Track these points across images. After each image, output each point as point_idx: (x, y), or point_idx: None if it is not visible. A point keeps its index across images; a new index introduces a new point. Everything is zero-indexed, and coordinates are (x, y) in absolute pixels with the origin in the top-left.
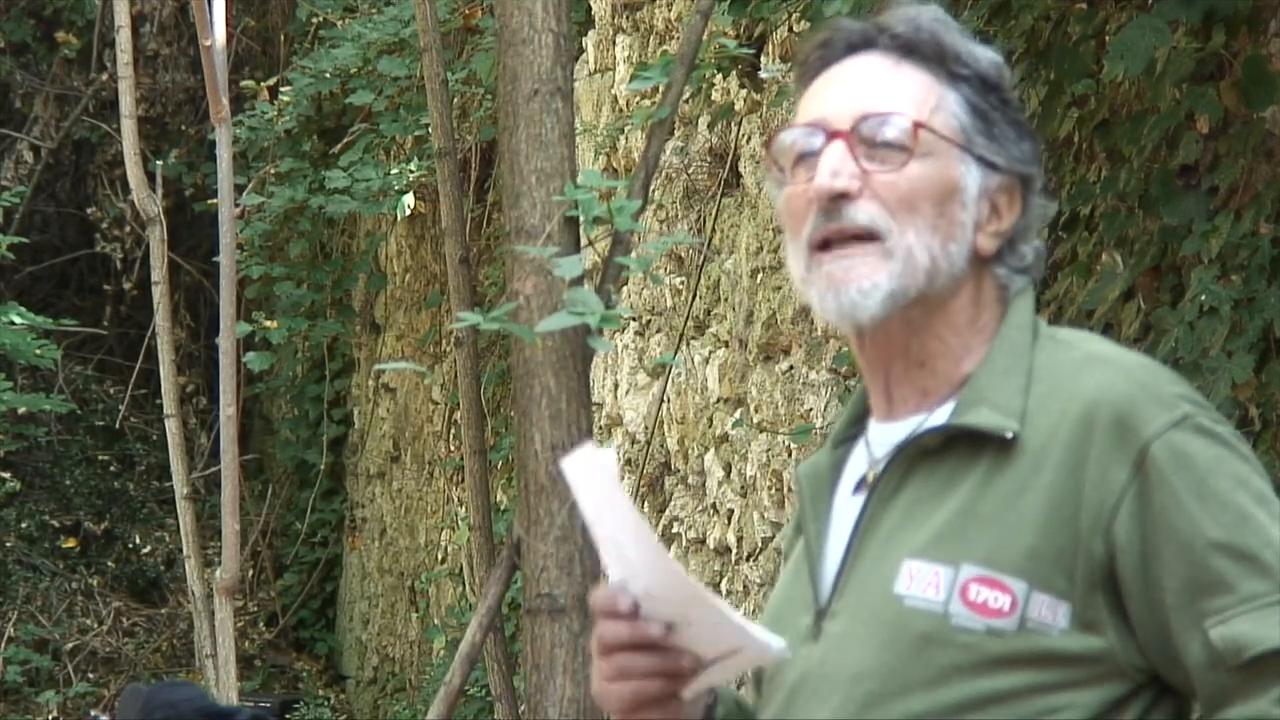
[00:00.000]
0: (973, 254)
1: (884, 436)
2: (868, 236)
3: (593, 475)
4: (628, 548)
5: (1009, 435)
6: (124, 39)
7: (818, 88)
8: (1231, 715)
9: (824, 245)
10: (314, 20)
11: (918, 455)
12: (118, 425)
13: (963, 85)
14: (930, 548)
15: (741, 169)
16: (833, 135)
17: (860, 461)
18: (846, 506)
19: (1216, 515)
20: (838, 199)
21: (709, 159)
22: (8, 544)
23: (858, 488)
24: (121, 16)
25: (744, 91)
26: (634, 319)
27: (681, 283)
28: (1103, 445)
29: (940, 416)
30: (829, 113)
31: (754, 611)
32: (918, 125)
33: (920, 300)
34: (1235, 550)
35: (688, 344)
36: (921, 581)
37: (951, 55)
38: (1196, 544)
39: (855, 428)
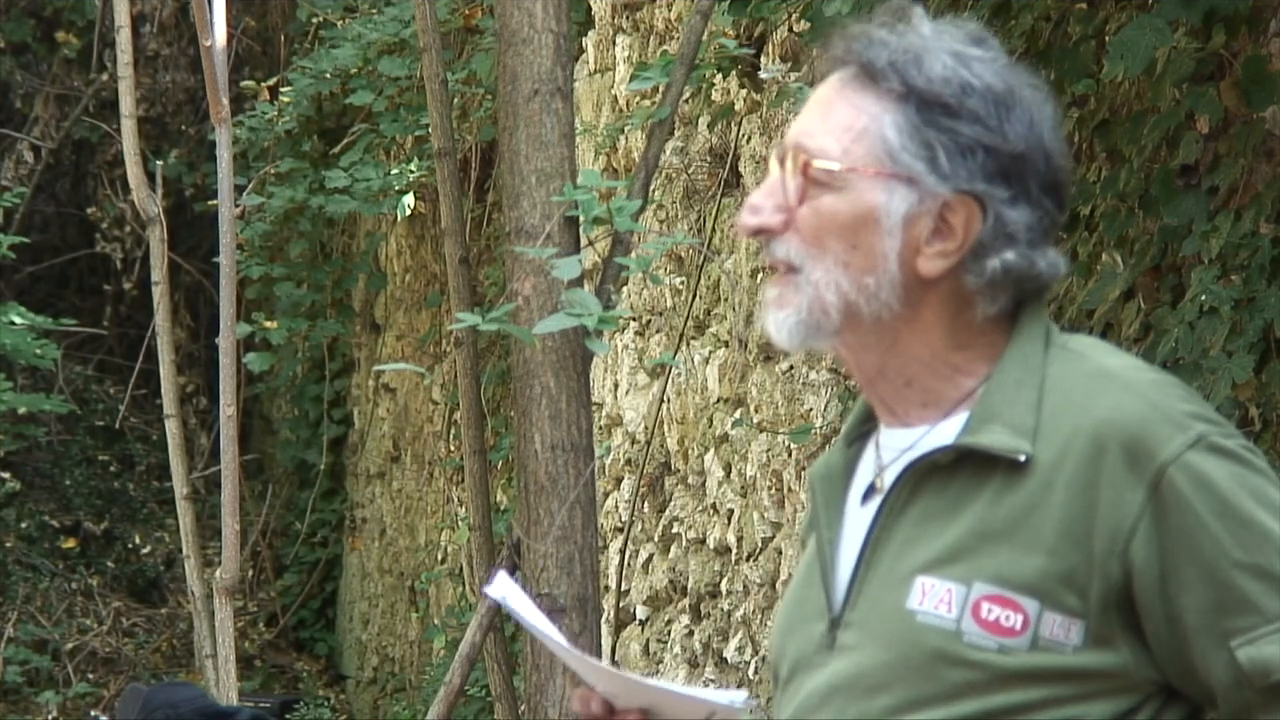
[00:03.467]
0: (912, 278)
1: (894, 441)
2: (794, 268)
3: (520, 600)
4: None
5: (1021, 459)
6: (124, 39)
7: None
8: None
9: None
10: (314, 20)
11: (929, 469)
12: (118, 425)
13: (908, 104)
14: (942, 564)
15: (741, 169)
16: (781, 162)
17: (870, 465)
18: (857, 514)
19: (1239, 535)
20: (760, 233)
21: (709, 159)
22: (8, 544)
23: (866, 496)
24: (121, 16)
25: (744, 91)
26: (634, 319)
27: (681, 283)
28: (1115, 468)
29: (951, 428)
30: (792, 132)
31: (754, 612)
32: (806, 165)
33: (854, 329)
34: (1260, 570)
35: (688, 344)
36: (934, 598)
37: (891, 73)
38: (1220, 565)
39: (868, 424)
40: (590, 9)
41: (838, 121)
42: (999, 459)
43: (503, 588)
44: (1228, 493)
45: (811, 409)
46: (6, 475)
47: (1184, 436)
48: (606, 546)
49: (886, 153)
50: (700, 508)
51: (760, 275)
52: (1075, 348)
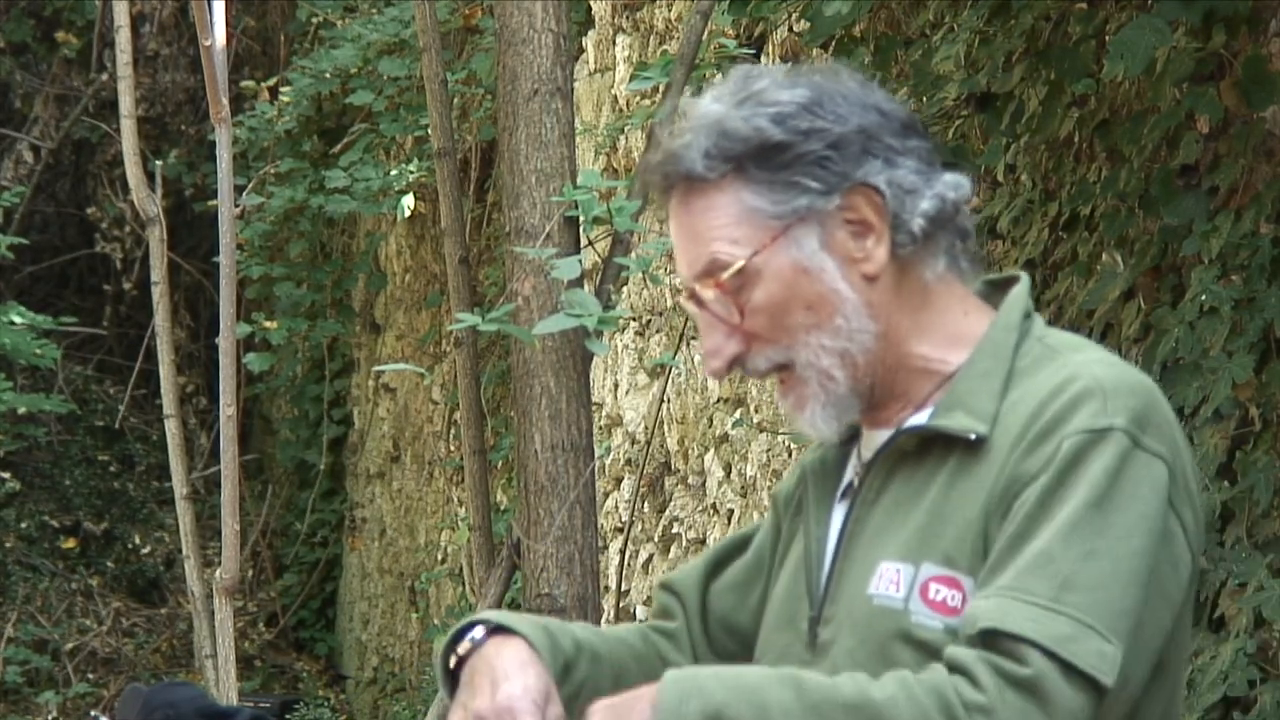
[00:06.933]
0: (866, 289)
1: (874, 442)
2: (784, 366)
3: None
4: None
5: (972, 437)
6: (124, 39)
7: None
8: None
9: None
10: (314, 20)
11: (898, 458)
12: (117, 425)
13: (746, 170)
14: (902, 549)
15: None
16: (699, 305)
17: (853, 466)
18: (837, 512)
19: (1053, 511)
20: (733, 365)
21: None
22: (8, 544)
23: (843, 494)
24: (121, 16)
25: None
26: (634, 319)
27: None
28: (1035, 438)
29: (921, 418)
30: (682, 275)
31: None
32: (718, 284)
33: (858, 374)
34: (1046, 554)
35: (688, 344)
36: (886, 580)
37: (713, 164)
38: (1028, 529)
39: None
40: (590, 9)
41: (709, 231)
42: (958, 444)
43: None
44: (1084, 478)
45: None
46: (6, 475)
47: (1100, 421)
48: (606, 546)
49: (765, 217)
50: (700, 508)
51: None
52: (1053, 343)
